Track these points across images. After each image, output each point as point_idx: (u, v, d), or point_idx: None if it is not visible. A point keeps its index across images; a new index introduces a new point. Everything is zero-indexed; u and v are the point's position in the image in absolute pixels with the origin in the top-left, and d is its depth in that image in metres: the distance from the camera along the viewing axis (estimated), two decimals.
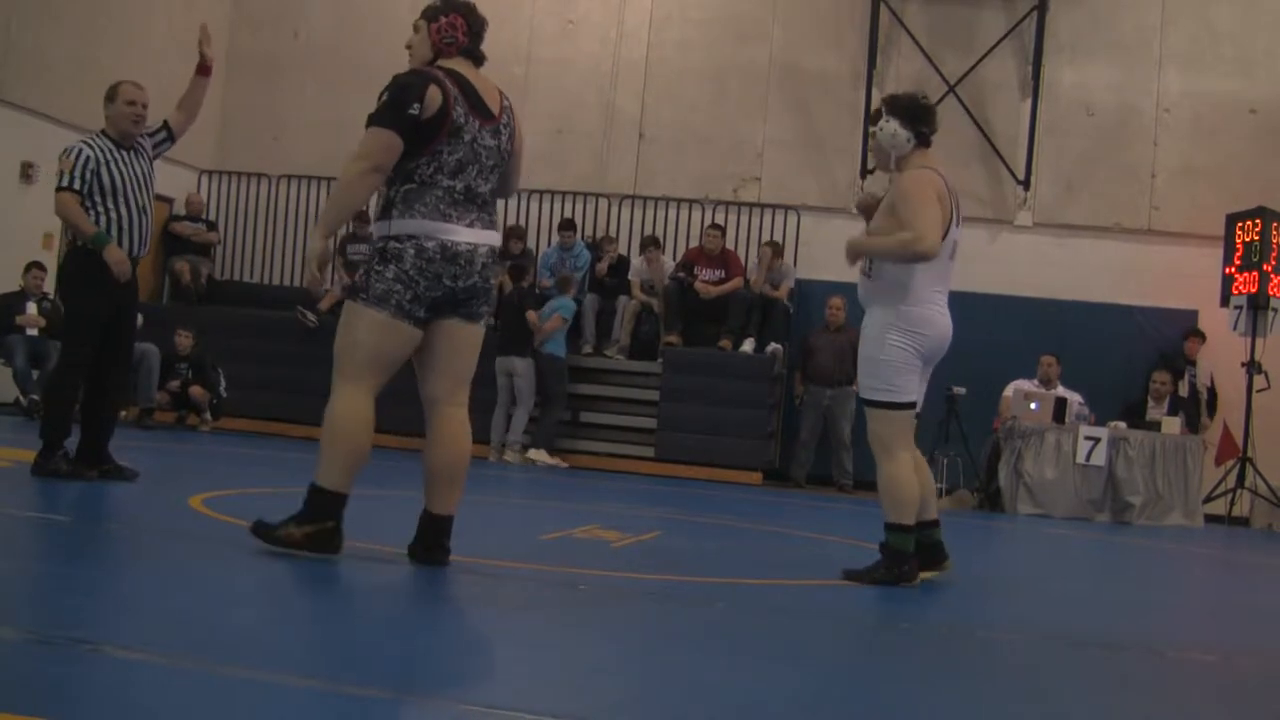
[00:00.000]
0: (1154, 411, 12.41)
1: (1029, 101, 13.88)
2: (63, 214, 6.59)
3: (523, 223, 14.42)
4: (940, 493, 11.93)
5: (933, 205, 5.17)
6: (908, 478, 5.26)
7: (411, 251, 4.37)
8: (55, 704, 2.36)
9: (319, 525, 4.46)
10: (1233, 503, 12.35)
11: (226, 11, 15.81)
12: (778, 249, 13.54)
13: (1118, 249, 13.68)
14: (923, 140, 5.41)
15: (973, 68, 13.91)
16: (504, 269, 13.54)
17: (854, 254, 5.37)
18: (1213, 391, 12.93)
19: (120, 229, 6.54)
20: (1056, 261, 13.67)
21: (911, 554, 5.24)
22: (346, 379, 4.54)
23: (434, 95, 4.37)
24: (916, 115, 5.39)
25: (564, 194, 14.68)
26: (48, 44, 12.85)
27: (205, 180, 15.29)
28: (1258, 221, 12.25)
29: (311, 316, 13.41)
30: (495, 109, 4.55)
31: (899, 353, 5.22)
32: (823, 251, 13.90)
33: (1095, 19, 13.98)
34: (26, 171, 12.83)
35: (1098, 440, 11.34)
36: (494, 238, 4.58)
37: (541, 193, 14.67)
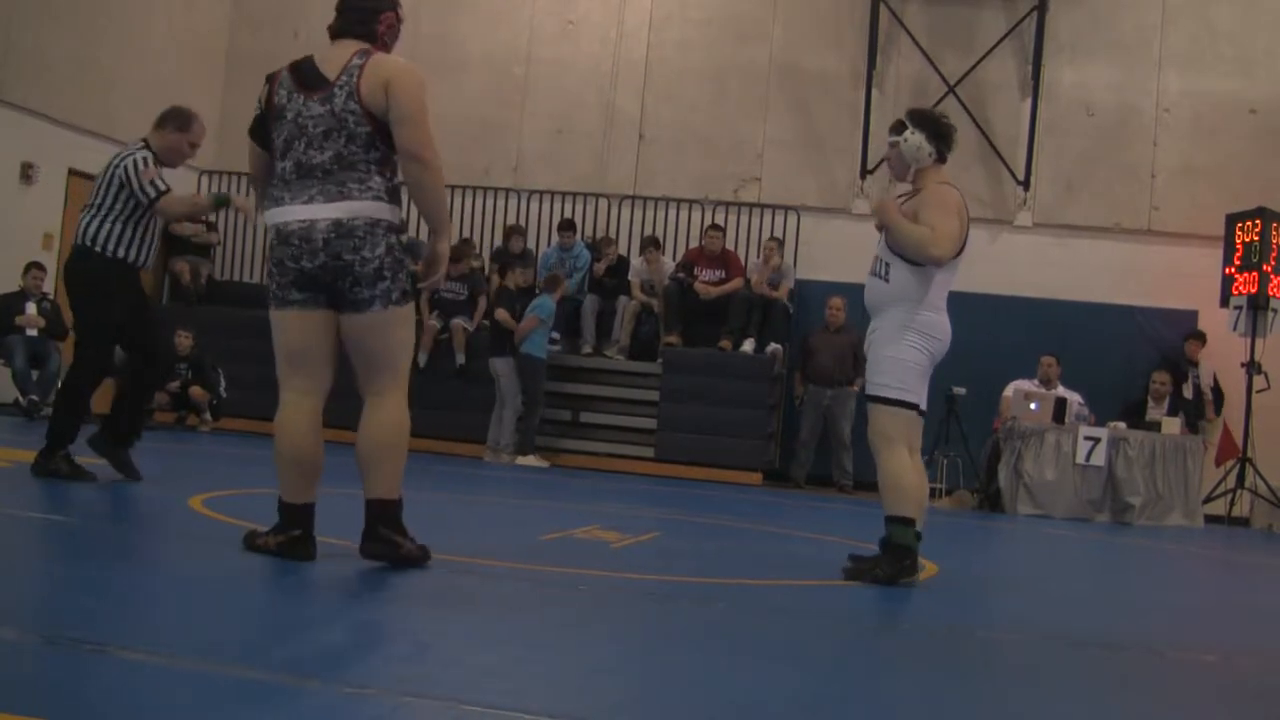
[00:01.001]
0: (1154, 412, 12.41)
1: (1029, 101, 13.89)
2: (179, 213, 6.70)
3: (523, 222, 14.42)
4: (940, 493, 11.97)
5: (954, 219, 5.25)
6: (909, 471, 5.27)
7: (268, 246, 4.36)
8: (55, 704, 2.36)
9: (286, 534, 4.45)
10: (1233, 503, 12.35)
11: (226, 11, 15.81)
12: (780, 244, 13.54)
13: (1118, 249, 13.68)
14: (941, 158, 5.45)
15: (973, 68, 13.91)
16: (494, 268, 13.57)
17: (881, 215, 5.38)
18: (1218, 390, 12.94)
19: (141, 243, 6.56)
20: (1056, 262, 13.67)
21: (913, 549, 5.22)
22: (280, 385, 4.55)
23: (263, 91, 4.42)
24: (940, 132, 5.43)
25: (564, 194, 14.68)
26: (48, 44, 12.86)
27: (205, 180, 15.28)
28: (1257, 222, 12.26)
29: None
30: (332, 75, 4.30)
31: (915, 354, 5.26)
32: (823, 252, 13.92)
33: (1095, 19, 13.99)
34: (26, 172, 12.84)
35: (1098, 441, 11.34)
36: (342, 209, 4.23)
37: (541, 193, 14.68)
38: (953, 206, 5.27)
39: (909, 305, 5.25)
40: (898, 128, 5.48)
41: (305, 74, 4.35)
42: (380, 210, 4.29)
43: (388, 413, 4.43)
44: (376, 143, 4.31)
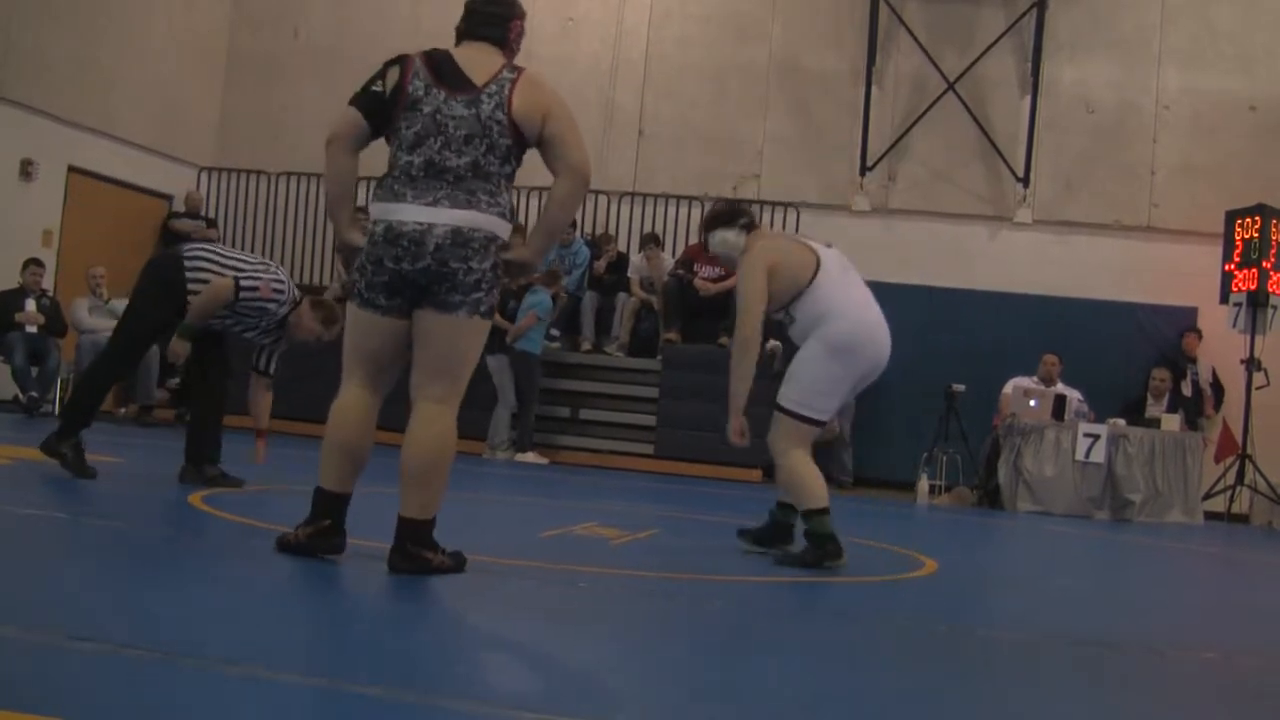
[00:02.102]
0: (1153, 409, 12.41)
1: (1028, 99, 13.89)
2: (207, 295, 6.37)
3: (523, 220, 14.42)
4: (940, 490, 11.98)
5: (755, 280, 5.60)
6: (805, 465, 5.61)
7: (368, 239, 4.27)
8: (55, 702, 2.36)
9: (316, 525, 4.40)
10: (1232, 500, 12.36)
11: (226, 10, 15.80)
12: None
13: (1117, 246, 13.69)
14: (748, 228, 5.78)
15: (972, 65, 13.91)
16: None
17: (738, 425, 5.77)
18: (1218, 386, 12.94)
19: (225, 328, 6.61)
20: (1056, 259, 13.68)
21: (832, 534, 5.50)
22: (344, 374, 4.52)
23: (393, 74, 4.31)
24: (731, 216, 5.80)
25: None
26: (48, 43, 12.85)
27: (205, 177, 15.29)
28: (1257, 219, 12.26)
29: None
30: (480, 80, 4.25)
31: (824, 370, 5.61)
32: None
33: (1095, 16, 13.99)
34: (26, 169, 12.83)
35: (1097, 437, 11.34)
36: (464, 217, 4.17)
37: (541, 189, 14.59)
38: (754, 269, 5.60)
39: (819, 328, 5.59)
40: (706, 243, 5.93)
41: (445, 71, 4.28)
42: (498, 226, 4.27)
43: (440, 425, 4.35)
44: (512, 158, 4.30)
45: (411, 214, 4.18)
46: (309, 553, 4.36)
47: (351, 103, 4.35)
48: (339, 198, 4.43)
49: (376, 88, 4.31)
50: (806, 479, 5.59)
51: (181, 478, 6.60)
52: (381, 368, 4.50)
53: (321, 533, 4.38)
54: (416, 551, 4.25)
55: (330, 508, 4.39)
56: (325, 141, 4.33)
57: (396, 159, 4.27)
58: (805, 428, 5.65)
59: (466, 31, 4.43)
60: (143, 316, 6.57)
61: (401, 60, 4.32)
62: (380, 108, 4.30)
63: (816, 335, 5.58)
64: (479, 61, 4.31)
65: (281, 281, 6.56)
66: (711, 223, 5.84)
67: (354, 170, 4.40)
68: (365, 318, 4.34)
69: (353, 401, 4.48)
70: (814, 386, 5.59)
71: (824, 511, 5.50)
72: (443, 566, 4.31)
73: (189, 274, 6.45)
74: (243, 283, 6.39)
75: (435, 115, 4.22)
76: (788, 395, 5.65)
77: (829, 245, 5.86)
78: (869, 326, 5.64)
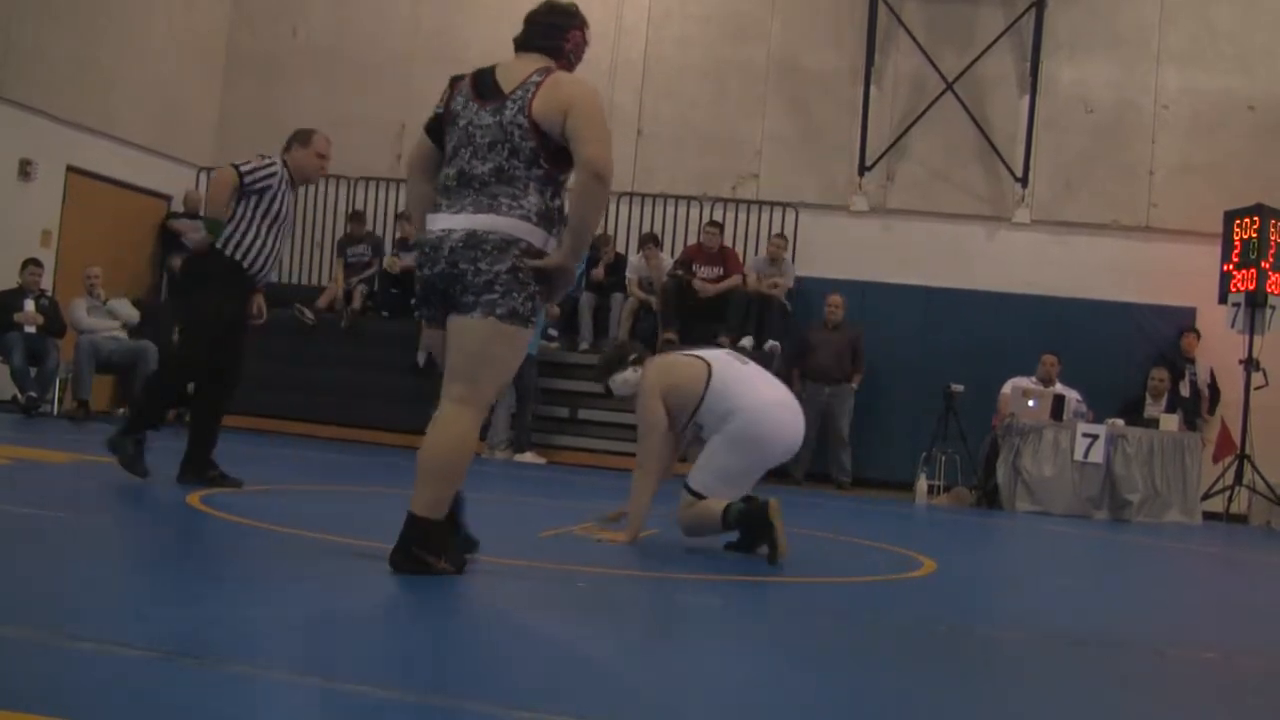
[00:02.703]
0: (1152, 409, 12.41)
1: (1027, 98, 13.89)
2: (213, 184, 6.63)
3: None
4: (938, 490, 11.99)
5: (649, 414, 5.77)
6: (707, 509, 5.68)
7: None
8: (55, 702, 2.36)
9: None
10: (1231, 500, 12.36)
11: (226, 10, 15.81)
12: (787, 241, 13.56)
13: (1116, 246, 13.69)
14: (639, 362, 5.98)
15: (971, 64, 13.92)
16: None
17: (632, 537, 5.77)
18: (1215, 388, 12.95)
19: (267, 256, 6.64)
20: (1054, 259, 13.69)
21: (750, 510, 5.61)
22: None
23: (444, 94, 4.43)
24: (621, 359, 6.00)
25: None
26: (47, 42, 12.85)
27: (204, 177, 15.27)
28: (1256, 219, 12.26)
29: (309, 314, 13.41)
30: (509, 87, 4.28)
31: (730, 461, 5.76)
32: (821, 249, 13.92)
33: (1094, 16, 13.99)
34: (25, 169, 12.83)
35: (1096, 437, 11.34)
36: (481, 221, 4.16)
37: None
38: (648, 400, 5.76)
39: (725, 426, 5.71)
40: (607, 390, 6.09)
41: (483, 84, 4.36)
42: (518, 228, 4.20)
43: (457, 427, 4.23)
44: (540, 160, 4.25)
45: (439, 223, 4.25)
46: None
47: (426, 130, 4.49)
48: (418, 222, 4.46)
49: (438, 109, 4.43)
50: (703, 514, 5.70)
51: (180, 478, 6.60)
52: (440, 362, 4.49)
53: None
54: (420, 554, 4.21)
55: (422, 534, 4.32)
56: (405, 166, 4.55)
57: (441, 172, 4.36)
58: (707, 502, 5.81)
59: (522, 43, 4.50)
60: (202, 313, 6.63)
61: (454, 80, 4.43)
62: (439, 127, 4.42)
63: (723, 432, 5.73)
64: (516, 70, 4.36)
65: (263, 155, 6.71)
66: (606, 372, 6.02)
67: (427, 194, 4.45)
68: (425, 330, 4.49)
69: (440, 417, 4.30)
70: (723, 476, 5.74)
71: (729, 507, 5.62)
72: (442, 571, 4.25)
73: (227, 246, 6.53)
74: (239, 165, 6.57)
75: (467, 127, 4.30)
76: (697, 479, 5.79)
77: (720, 345, 6.11)
78: (773, 419, 5.80)
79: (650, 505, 5.82)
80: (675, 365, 5.96)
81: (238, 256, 6.53)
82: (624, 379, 5.96)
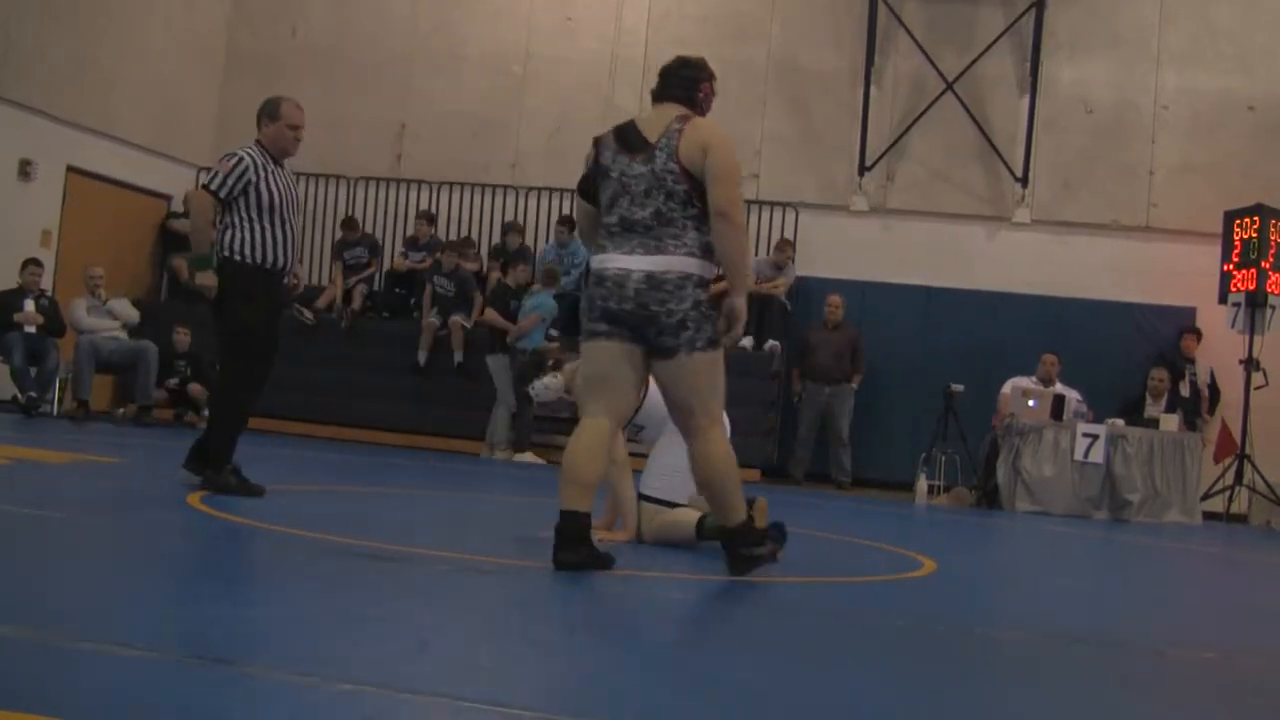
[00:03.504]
0: (1152, 409, 12.41)
1: (1027, 98, 13.90)
2: (193, 214, 6.45)
3: (521, 219, 14.42)
4: (938, 490, 11.99)
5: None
6: (669, 516, 5.75)
7: (589, 290, 4.81)
8: (55, 702, 2.36)
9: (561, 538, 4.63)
10: (1231, 500, 12.37)
11: (225, 10, 15.81)
12: (791, 245, 13.56)
13: (1116, 246, 13.70)
14: (557, 366, 6.13)
15: (971, 65, 13.92)
16: (495, 265, 13.54)
17: (634, 520, 5.83)
18: (1214, 388, 12.95)
19: (273, 245, 6.38)
20: (1055, 259, 13.69)
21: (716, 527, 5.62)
22: (581, 407, 4.97)
23: (591, 153, 4.88)
24: (541, 363, 6.18)
25: (562, 191, 14.66)
26: (47, 42, 12.86)
27: (204, 177, 15.26)
28: (1256, 219, 12.27)
29: (309, 314, 13.41)
30: (654, 138, 4.69)
31: (687, 466, 5.70)
32: (821, 249, 13.93)
33: (1094, 16, 14.00)
34: (25, 169, 12.84)
35: (1096, 437, 11.34)
36: (656, 262, 4.60)
37: (540, 190, 14.68)
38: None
39: (666, 426, 5.56)
40: (527, 396, 6.37)
41: (628, 137, 4.76)
42: (690, 265, 4.62)
43: (713, 447, 4.76)
44: (693, 200, 4.63)
45: (614, 262, 4.68)
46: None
47: (577, 191, 5.02)
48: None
49: (587, 168, 4.90)
50: (672, 526, 5.73)
51: (186, 464, 6.41)
52: (612, 395, 4.82)
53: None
54: (748, 553, 4.79)
55: (568, 527, 4.65)
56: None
57: (602, 222, 4.78)
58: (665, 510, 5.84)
59: (659, 94, 4.88)
60: (241, 328, 6.43)
61: (597, 139, 4.88)
62: (590, 186, 4.87)
63: (666, 432, 5.67)
64: (657, 120, 4.75)
65: (226, 155, 6.44)
66: (526, 379, 6.22)
67: None
68: (591, 347, 4.85)
69: (580, 430, 4.78)
70: (674, 471, 5.68)
71: (705, 516, 5.61)
72: (772, 557, 4.95)
73: (240, 250, 6.33)
74: (205, 182, 6.38)
75: (621, 178, 4.72)
76: (651, 484, 5.82)
77: None
78: None
79: (631, 493, 5.84)
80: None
81: (250, 259, 6.32)
82: (545, 384, 6.05)
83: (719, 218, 4.60)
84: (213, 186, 6.29)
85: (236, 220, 6.33)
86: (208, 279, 6.26)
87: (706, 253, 4.65)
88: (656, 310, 4.59)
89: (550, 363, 6.11)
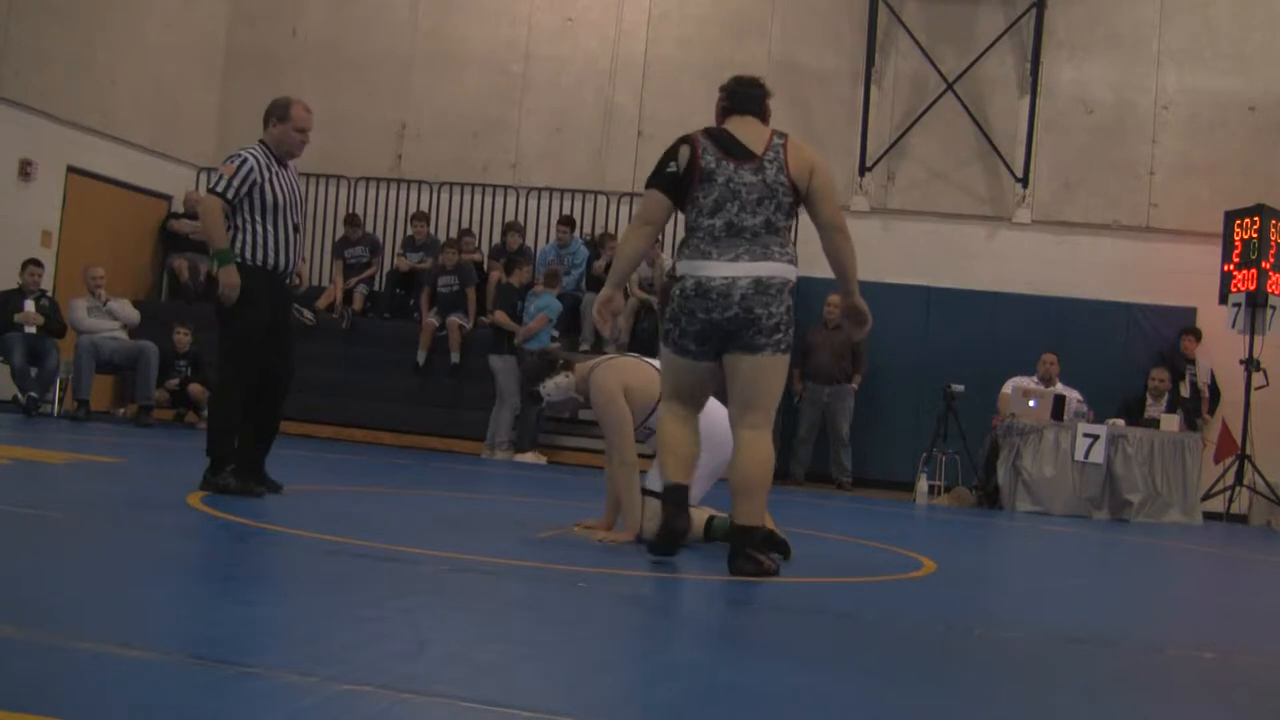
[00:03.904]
0: (1153, 409, 12.41)
1: (1027, 99, 13.90)
2: (204, 217, 6.46)
3: (522, 219, 14.42)
4: (939, 490, 11.99)
5: (617, 409, 5.81)
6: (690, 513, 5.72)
7: (677, 292, 5.01)
8: (55, 702, 2.36)
9: (668, 513, 4.98)
10: (1231, 500, 12.37)
11: (225, 8, 15.82)
12: None
13: (1116, 246, 13.70)
14: (568, 365, 6.09)
15: (971, 65, 13.92)
16: (498, 264, 13.53)
17: (637, 521, 5.79)
18: (1215, 388, 12.94)
19: (275, 246, 6.39)
20: (1055, 259, 13.70)
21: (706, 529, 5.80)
22: (663, 401, 5.24)
23: (684, 152, 5.02)
24: (547, 365, 6.11)
25: (563, 191, 14.68)
26: (46, 41, 12.86)
27: (204, 177, 15.28)
28: (1256, 219, 12.27)
29: (309, 314, 13.35)
30: (758, 150, 4.99)
31: (704, 473, 5.73)
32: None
33: (1093, 16, 14.00)
34: (24, 169, 12.84)
35: (1096, 438, 11.34)
36: (763, 268, 4.89)
37: (540, 190, 14.68)
38: (612, 397, 5.82)
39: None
40: (535, 398, 6.24)
41: (729, 145, 5.03)
42: (789, 272, 5.03)
43: (762, 450, 4.98)
44: (793, 212, 5.07)
45: (718, 270, 4.91)
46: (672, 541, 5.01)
47: (652, 186, 5.10)
48: (631, 266, 5.28)
49: (671, 169, 5.05)
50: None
51: (206, 484, 6.32)
52: (693, 399, 5.19)
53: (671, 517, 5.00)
54: (753, 554, 4.91)
55: (676, 496, 4.99)
56: (638, 222, 5.17)
57: (698, 223, 5.00)
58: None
59: (732, 109, 5.16)
60: (238, 331, 6.40)
61: (689, 140, 5.06)
62: (676, 184, 5.03)
63: None
64: (753, 134, 5.07)
65: (229, 158, 6.44)
66: (536, 378, 6.15)
67: (651, 245, 5.33)
68: (679, 362, 5.09)
69: (672, 419, 5.14)
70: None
71: (711, 520, 5.65)
72: (770, 571, 4.92)
73: (243, 252, 6.35)
74: (211, 185, 6.38)
75: (729, 183, 4.96)
76: (655, 479, 5.76)
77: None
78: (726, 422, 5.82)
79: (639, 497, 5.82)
80: (632, 368, 5.96)
81: (253, 261, 6.33)
82: (556, 383, 6.03)
83: (837, 232, 5.05)
84: (219, 189, 6.32)
85: (239, 222, 6.36)
86: (230, 275, 6.27)
87: (795, 261, 5.03)
88: (760, 313, 4.88)
89: (560, 362, 6.06)
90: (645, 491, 5.81)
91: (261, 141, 6.51)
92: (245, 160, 6.35)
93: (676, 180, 5.03)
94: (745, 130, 5.07)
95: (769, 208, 4.95)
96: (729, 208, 4.94)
